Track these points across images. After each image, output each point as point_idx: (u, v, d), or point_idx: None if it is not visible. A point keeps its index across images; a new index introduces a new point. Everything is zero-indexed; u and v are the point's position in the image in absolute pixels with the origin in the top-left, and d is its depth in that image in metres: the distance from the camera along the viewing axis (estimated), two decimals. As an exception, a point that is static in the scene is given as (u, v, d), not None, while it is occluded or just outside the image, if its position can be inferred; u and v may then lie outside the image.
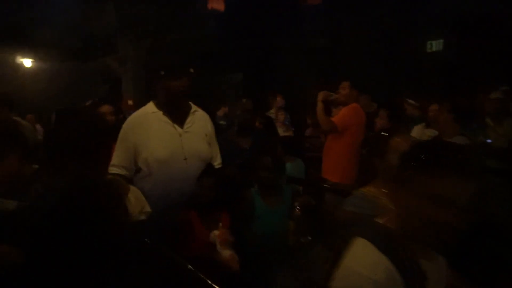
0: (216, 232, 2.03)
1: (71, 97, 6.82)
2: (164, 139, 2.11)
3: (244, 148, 3.23)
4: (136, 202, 1.27)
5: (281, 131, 4.97)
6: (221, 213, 2.18)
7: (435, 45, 7.59)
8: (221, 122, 5.52)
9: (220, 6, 8.60)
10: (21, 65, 7.41)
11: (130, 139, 2.11)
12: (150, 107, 2.20)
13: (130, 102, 5.96)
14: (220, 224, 2.08)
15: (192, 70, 2.13)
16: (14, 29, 6.55)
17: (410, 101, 4.82)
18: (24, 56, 7.31)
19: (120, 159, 2.12)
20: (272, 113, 5.60)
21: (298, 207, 2.22)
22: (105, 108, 3.20)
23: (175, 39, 7.87)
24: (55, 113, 1.10)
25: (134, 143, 2.10)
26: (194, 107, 2.29)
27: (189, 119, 2.21)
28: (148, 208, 1.33)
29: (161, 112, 2.15)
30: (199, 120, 2.27)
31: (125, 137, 2.13)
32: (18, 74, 7.23)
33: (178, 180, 2.10)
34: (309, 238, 2.12)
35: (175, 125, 2.15)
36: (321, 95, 3.64)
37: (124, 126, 2.17)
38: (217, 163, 2.38)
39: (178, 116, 2.18)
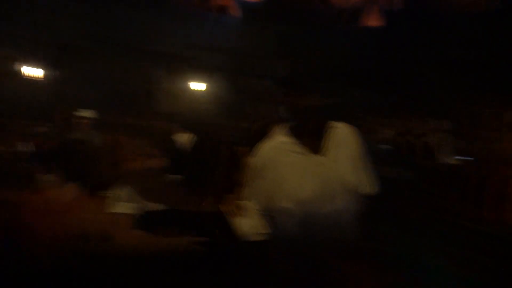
0: None
1: (229, 116, 7.46)
2: (302, 175, 1.82)
3: (397, 178, 2.79)
4: (247, 223, 1.55)
5: (442, 159, 4.28)
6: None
7: None
8: (383, 147, 5.10)
9: (377, 22, 8.19)
10: (187, 88, 8.63)
11: (262, 176, 1.89)
12: (281, 135, 1.96)
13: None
14: None
15: (325, 87, 1.82)
16: (180, 57, 7.87)
17: None
18: (189, 79, 8.54)
19: (252, 197, 1.91)
20: (430, 136, 4.89)
21: None
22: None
23: (319, 57, 7.80)
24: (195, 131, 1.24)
25: (267, 181, 1.87)
26: (332, 124, 1.95)
27: (327, 142, 1.89)
28: (263, 230, 1.56)
29: (294, 141, 1.89)
30: (340, 140, 1.92)
31: (257, 173, 1.91)
32: (186, 96, 8.45)
33: (324, 219, 1.79)
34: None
35: (312, 154, 1.86)
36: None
37: (256, 160, 1.95)
38: (368, 188, 1.92)
39: (314, 140, 1.89)
